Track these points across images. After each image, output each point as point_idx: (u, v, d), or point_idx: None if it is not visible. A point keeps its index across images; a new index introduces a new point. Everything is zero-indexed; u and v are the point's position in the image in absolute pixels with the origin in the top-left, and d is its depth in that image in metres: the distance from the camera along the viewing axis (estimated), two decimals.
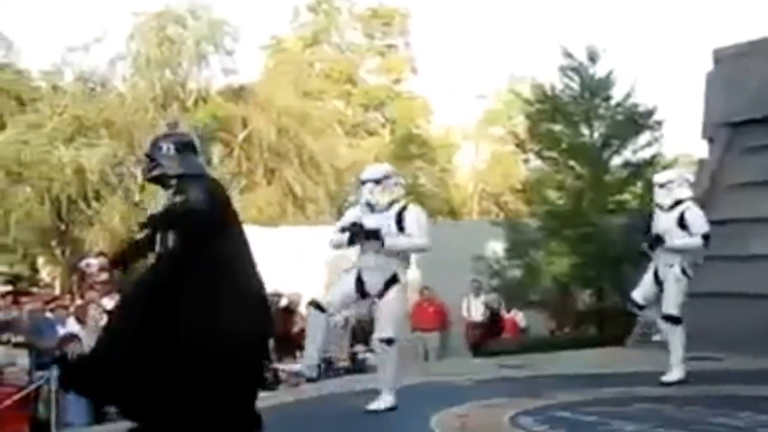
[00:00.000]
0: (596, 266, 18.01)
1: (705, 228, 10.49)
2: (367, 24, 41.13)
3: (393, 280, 9.02)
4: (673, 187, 10.73)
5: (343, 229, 9.20)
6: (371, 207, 9.19)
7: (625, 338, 15.27)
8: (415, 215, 9.14)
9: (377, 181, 9.24)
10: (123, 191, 27.92)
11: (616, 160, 19.44)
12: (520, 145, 22.16)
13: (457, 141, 43.11)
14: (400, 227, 9.03)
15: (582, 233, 18.08)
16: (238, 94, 32.54)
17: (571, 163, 19.42)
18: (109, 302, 15.21)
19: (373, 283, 9.08)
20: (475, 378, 11.35)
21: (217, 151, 31.52)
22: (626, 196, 19.69)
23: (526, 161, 25.89)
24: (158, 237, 7.04)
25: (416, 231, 9.05)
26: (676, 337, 10.42)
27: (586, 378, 10.98)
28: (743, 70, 15.41)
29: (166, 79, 30.70)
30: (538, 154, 20.28)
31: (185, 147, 7.36)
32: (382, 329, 9.00)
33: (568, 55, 19.65)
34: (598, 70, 19.38)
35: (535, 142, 20.42)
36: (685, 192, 10.79)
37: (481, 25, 59.82)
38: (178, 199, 7.02)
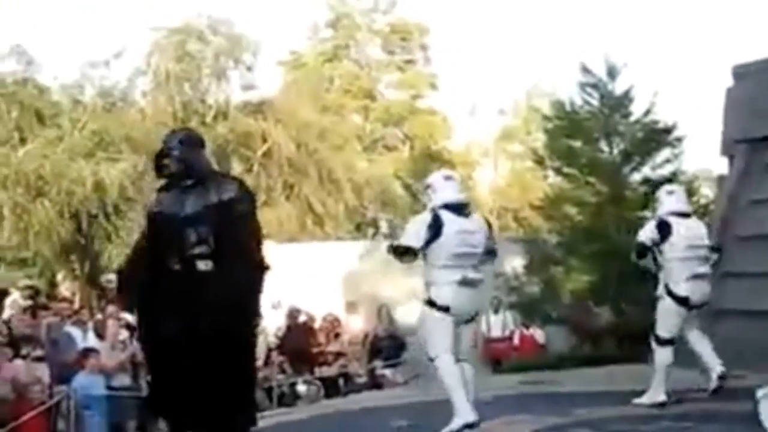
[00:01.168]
0: (615, 283, 17.96)
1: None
2: (386, 39, 41.20)
3: None
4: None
5: None
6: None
7: (644, 355, 15.21)
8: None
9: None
10: (142, 206, 27.94)
11: (636, 177, 19.40)
12: (539, 162, 22.13)
13: (477, 157, 43.11)
14: None
15: (601, 250, 18.03)
16: (257, 109, 32.58)
17: (591, 179, 19.38)
18: (128, 317, 15.24)
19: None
20: (495, 394, 11.33)
21: (236, 166, 31.56)
22: (646, 213, 19.64)
23: (545, 177, 25.82)
24: (192, 234, 6.97)
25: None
26: (657, 357, 10.51)
27: (607, 395, 10.95)
28: (763, 86, 15.37)
29: (185, 94, 30.78)
30: (557, 171, 20.25)
31: (202, 144, 7.72)
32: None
33: (587, 71, 19.64)
34: (618, 87, 19.35)
35: (554, 158, 20.39)
36: None
37: (501, 41, 59.87)
38: (225, 193, 7.07)
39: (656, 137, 19.03)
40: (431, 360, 8.32)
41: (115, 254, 26.49)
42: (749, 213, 14.48)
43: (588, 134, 19.70)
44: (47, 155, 27.37)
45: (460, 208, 8.53)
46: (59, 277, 30.06)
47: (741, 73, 16.07)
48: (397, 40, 41.11)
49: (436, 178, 8.86)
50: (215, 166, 8.01)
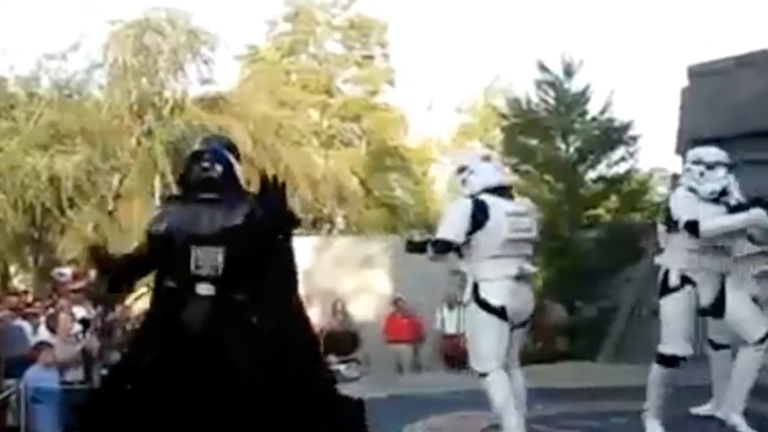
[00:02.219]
0: (570, 280, 18.05)
1: None
2: (345, 35, 41.07)
3: None
4: None
5: None
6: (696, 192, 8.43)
7: (596, 352, 15.29)
8: None
9: (710, 167, 8.19)
10: (97, 200, 27.79)
11: (591, 175, 19.57)
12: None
13: (434, 154, 43.12)
14: None
15: (556, 247, 18.12)
16: (214, 103, 32.40)
17: (547, 177, 19.51)
18: (81, 310, 15.17)
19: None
20: (450, 390, 11.35)
21: None
22: (600, 211, 19.76)
23: None
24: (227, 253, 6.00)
25: None
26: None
27: (560, 392, 10.98)
28: (718, 87, 15.50)
29: (142, 88, 30.57)
30: (514, 168, 20.34)
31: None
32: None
33: (544, 69, 19.75)
34: (574, 85, 19.50)
35: (510, 155, 20.48)
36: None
37: (459, 38, 59.97)
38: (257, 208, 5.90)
39: (612, 135, 19.20)
40: (481, 375, 7.38)
41: (69, 247, 26.33)
42: None
43: (544, 132, 19.82)
44: (1, 147, 27.18)
45: (502, 192, 7.54)
46: (12, 270, 29.84)
47: (696, 72, 16.21)
48: (356, 36, 40.98)
49: (472, 159, 8.05)
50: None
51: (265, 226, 5.84)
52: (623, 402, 9.87)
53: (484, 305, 7.26)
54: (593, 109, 19.73)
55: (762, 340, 7.99)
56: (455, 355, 18.73)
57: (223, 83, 34.36)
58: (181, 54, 31.30)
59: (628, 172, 19.35)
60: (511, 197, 7.59)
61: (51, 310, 16.06)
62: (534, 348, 18.98)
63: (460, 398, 10.70)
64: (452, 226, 7.40)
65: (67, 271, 19.66)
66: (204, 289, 5.96)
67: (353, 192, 36.07)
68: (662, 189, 23.34)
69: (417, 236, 7.86)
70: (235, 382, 5.72)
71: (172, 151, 28.21)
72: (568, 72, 19.72)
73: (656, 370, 8.10)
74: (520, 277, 7.28)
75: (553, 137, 19.89)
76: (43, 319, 15.35)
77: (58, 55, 29.77)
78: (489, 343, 7.28)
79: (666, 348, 8.01)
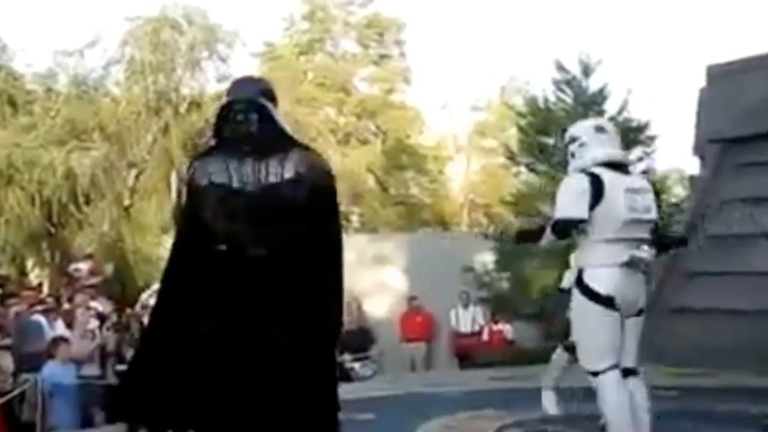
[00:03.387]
0: None
1: None
2: (361, 33, 41.11)
3: None
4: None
5: None
6: None
7: None
8: None
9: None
10: (113, 196, 27.85)
11: None
12: (512, 158, 22.19)
13: (449, 152, 43.13)
14: None
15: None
16: None
17: (563, 176, 19.44)
18: (97, 305, 15.24)
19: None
20: (464, 389, 11.36)
21: None
22: None
23: (517, 174, 25.91)
24: None
25: None
26: None
27: (575, 391, 10.98)
28: (736, 87, 15.47)
29: (159, 84, 30.62)
30: (530, 167, 20.34)
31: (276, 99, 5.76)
32: None
33: (562, 68, 19.71)
34: (592, 84, 19.45)
35: (526, 154, 20.46)
36: None
37: (476, 37, 59.90)
38: (302, 167, 5.36)
39: (629, 135, 19.10)
40: (593, 375, 6.57)
41: (85, 243, 26.40)
42: (718, 213, 14.58)
43: (561, 131, 19.76)
44: (19, 143, 27.23)
45: (617, 167, 6.77)
46: (29, 265, 29.94)
47: (714, 73, 16.19)
48: (373, 34, 41.01)
49: (584, 129, 7.02)
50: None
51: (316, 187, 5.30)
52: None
53: (590, 293, 6.49)
54: (610, 108, 19.67)
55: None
56: (468, 354, 18.79)
57: None
58: (198, 51, 31.35)
59: (645, 173, 19.27)
60: (627, 173, 6.84)
61: (68, 306, 16.13)
62: (550, 347, 19.02)
63: (473, 397, 10.73)
64: (572, 202, 6.52)
65: (84, 266, 19.72)
66: (256, 250, 5.28)
67: (369, 190, 36.14)
68: (679, 190, 23.30)
69: (526, 224, 7.41)
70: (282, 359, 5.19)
71: (189, 148, 28.22)
72: (586, 71, 19.68)
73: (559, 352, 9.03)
74: (632, 264, 6.46)
75: None
76: (59, 314, 15.39)
77: (76, 51, 29.84)
78: (600, 337, 6.50)
79: None
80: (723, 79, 15.92)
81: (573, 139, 6.92)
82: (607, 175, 6.53)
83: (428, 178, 40.20)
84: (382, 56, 41.19)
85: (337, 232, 5.48)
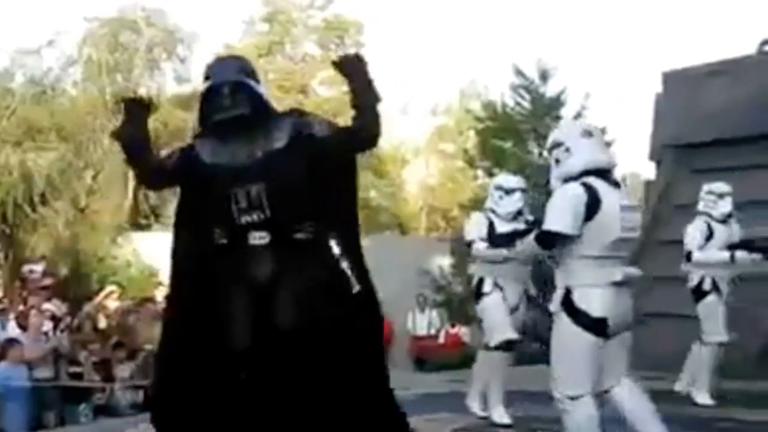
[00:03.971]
0: (541, 282, 18.05)
1: None
2: (321, 35, 41.08)
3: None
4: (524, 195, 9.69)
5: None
6: (498, 215, 9.32)
7: None
8: None
9: (508, 192, 9.40)
10: (70, 196, 27.68)
11: None
12: (470, 162, 22.25)
13: (408, 156, 43.15)
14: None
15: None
16: (189, 101, 32.36)
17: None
18: (51, 307, 15.12)
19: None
20: (419, 392, 11.35)
21: None
22: None
23: (475, 178, 25.98)
24: None
25: None
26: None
27: (529, 395, 10.99)
28: (692, 93, 15.55)
29: (117, 85, 30.51)
30: (487, 171, 20.39)
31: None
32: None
33: (520, 73, 19.79)
34: (549, 89, 19.54)
35: (484, 158, 20.53)
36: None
37: (435, 41, 59.96)
38: (305, 129, 5.21)
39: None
40: (570, 398, 6.14)
41: (41, 244, 26.22)
42: (674, 218, 14.64)
43: (519, 136, 19.87)
44: None
45: (606, 176, 6.23)
46: None
47: (670, 79, 16.27)
48: (333, 37, 40.99)
49: (570, 133, 6.41)
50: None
51: (323, 142, 5.07)
52: None
53: (581, 316, 6.02)
54: (568, 113, 19.79)
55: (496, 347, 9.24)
56: (425, 357, 18.80)
57: (199, 82, 34.37)
58: (157, 52, 31.29)
59: None
60: (617, 184, 6.26)
61: (22, 308, 15.99)
62: None
63: (429, 400, 10.71)
64: (566, 216, 5.98)
65: (38, 268, 19.56)
66: (257, 237, 5.05)
67: None
68: (636, 194, 23.41)
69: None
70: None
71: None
72: (544, 76, 19.79)
73: (495, 356, 9.28)
74: (623, 283, 6.08)
75: (527, 141, 19.94)
76: (12, 315, 15.25)
77: (33, 50, 29.68)
78: (582, 364, 6.08)
79: (499, 337, 9.15)
80: (679, 85, 16.00)
81: (557, 144, 6.30)
82: (602, 188, 6.05)
83: (387, 182, 40.20)
84: None
85: (347, 192, 5.27)
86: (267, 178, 5.01)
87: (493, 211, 9.30)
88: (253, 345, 5.00)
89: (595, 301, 6.00)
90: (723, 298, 10.49)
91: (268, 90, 5.35)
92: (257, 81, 5.34)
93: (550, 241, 6.08)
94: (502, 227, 8.89)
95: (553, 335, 6.23)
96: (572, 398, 6.10)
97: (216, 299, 5.10)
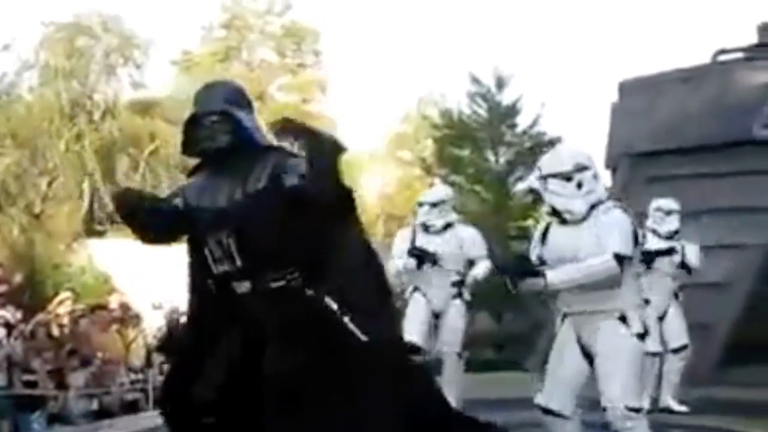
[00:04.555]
0: (496, 290, 18.09)
1: (485, 250, 10.05)
2: (279, 42, 41.02)
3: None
4: (446, 207, 9.91)
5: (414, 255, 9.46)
6: (426, 228, 9.59)
7: (525, 363, 15.36)
8: (473, 238, 9.88)
9: (434, 204, 9.65)
10: (25, 203, 27.49)
11: (520, 187, 19.67)
12: (427, 169, 22.28)
13: (365, 163, 43.16)
14: (458, 247, 9.63)
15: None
16: (146, 107, 32.26)
17: (476, 188, 19.60)
18: (5, 314, 14.97)
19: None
20: None
21: (122, 164, 31.24)
22: (529, 222, 19.88)
23: (431, 185, 26.03)
24: None
25: (478, 251, 9.83)
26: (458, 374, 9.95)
27: (485, 403, 11.00)
28: (647, 102, 15.65)
29: (73, 91, 30.34)
30: (444, 179, 20.43)
31: (250, 104, 5.21)
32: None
33: (476, 81, 19.84)
34: (505, 98, 19.61)
35: (441, 166, 20.57)
36: (454, 214, 10.06)
37: (393, 48, 60.02)
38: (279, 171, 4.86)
39: (542, 148, 19.30)
40: (634, 411, 6.00)
41: None
42: None
43: (475, 143, 19.92)
44: None
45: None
46: None
47: (626, 88, 16.37)
48: (290, 44, 40.95)
49: (589, 158, 6.41)
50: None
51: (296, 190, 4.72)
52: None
53: (639, 333, 6.10)
54: (523, 122, 19.88)
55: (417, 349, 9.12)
56: None
57: (156, 88, 34.21)
58: (114, 57, 31.13)
59: None
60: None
61: None
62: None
63: None
64: (629, 241, 6.07)
65: None
66: (238, 286, 4.86)
67: None
68: None
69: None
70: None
71: (102, 155, 27.98)
72: (500, 84, 19.86)
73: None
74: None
75: (484, 149, 20.00)
76: None
77: None
78: (640, 375, 6.21)
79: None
80: (634, 94, 16.10)
81: (583, 168, 6.20)
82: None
83: None
84: (299, 65, 41.14)
85: (333, 233, 4.87)
86: (238, 226, 4.79)
87: (423, 225, 9.72)
88: (224, 396, 4.83)
89: (640, 317, 6.11)
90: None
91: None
92: (248, 108, 5.07)
93: (622, 264, 5.97)
94: (426, 238, 9.65)
95: (608, 349, 6.05)
96: (636, 410, 6.01)
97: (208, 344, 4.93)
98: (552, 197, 6.18)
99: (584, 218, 6.11)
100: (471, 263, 9.86)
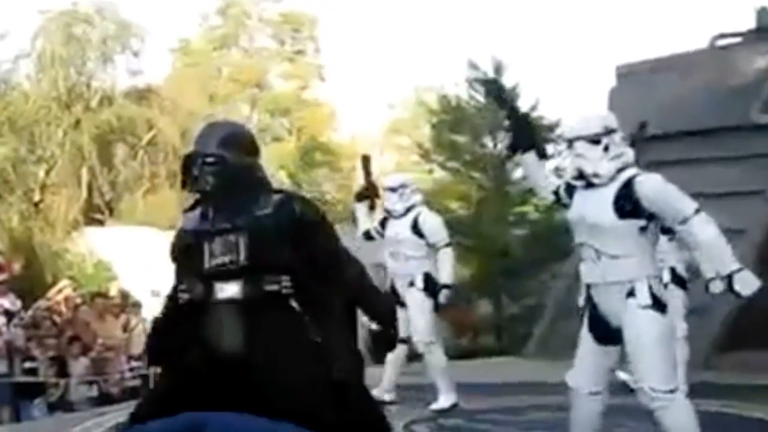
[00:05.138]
0: (496, 277, 18.15)
1: (446, 236, 9.77)
2: (276, 29, 40.99)
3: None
4: (407, 192, 9.74)
5: None
6: (389, 213, 9.60)
7: (522, 349, 15.41)
8: (432, 223, 9.62)
9: (394, 189, 9.58)
10: (23, 191, 27.50)
11: (519, 172, 19.67)
12: (425, 155, 22.29)
13: (363, 149, 43.18)
14: (417, 233, 9.46)
15: (482, 244, 18.23)
16: (143, 95, 32.22)
17: (475, 174, 19.63)
18: (5, 302, 15.00)
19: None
20: (372, 385, 11.37)
21: (120, 152, 31.25)
22: (527, 208, 19.91)
23: (430, 171, 26.02)
24: None
25: (438, 237, 9.55)
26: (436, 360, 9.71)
27: (482, 387, 11.05)
28: (646, 87, 15.66)
29: (70, 78, 30.31)
30: (442, 165, 20.46)
31: (255, 148, 5.09)
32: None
33: (475, 67, 19.84)
34: (504, 83, 19.57)
35: (439, 152, 20.59)
36: (418, 197, 9.88)
37: (391, 34, 60.03)
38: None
39: (540, 134, 19.31)
40: (669, 392, 5.82)
41: None
42: None
43: (473, 129, 19.94)
44: None
45: None
46: None
47: (624, 73, 16.36)
48: (288, 30, 40.91)
49: (615, 121, 6.25)
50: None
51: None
52: (544, 397, 9.97)
53: (663, 306, 5.88)
54: (522, 107, 19.85)
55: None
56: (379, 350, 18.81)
57: (153, 76, 34.21)
58: (111, 45, 31.09)
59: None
60: None
61: None
62: (459, 343, 19.13)
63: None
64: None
65: None
66: (226, 289, 4.71)
67: (282, 186, 36.06)
68: None
69: None
70: None
71: (100, 143, 28.00)
72: (498, 70, 19.85)
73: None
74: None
75: (482, 135, 20.01)
76: None
77: None
78: (666, 355, 5.93)
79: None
80: (633, 79, 16.10)
81: (612, 131, 6.05)
82: None
83: (341, 175, 40.20)
84: (297, 52, 41.12)
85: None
86: (249, 229, 4.69)
87: (387, 210, 9.78)
88: None
89: (662, 288, 6.00)
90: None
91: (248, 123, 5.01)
92: (251, 150, 4.95)
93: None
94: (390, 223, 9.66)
95: (638, 329, 5.82)
96: (671, 391, 5.83)
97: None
98: (579, 160, 6.00)
99: (610, 180, 5.93)
100: (432, 248, 9.63)
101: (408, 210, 9.58)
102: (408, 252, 9.54)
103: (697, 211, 5.78)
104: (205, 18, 41.04)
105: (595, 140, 5.99)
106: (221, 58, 40.71)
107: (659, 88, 15.54)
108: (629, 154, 6.03)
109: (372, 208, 10.10)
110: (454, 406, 9.46)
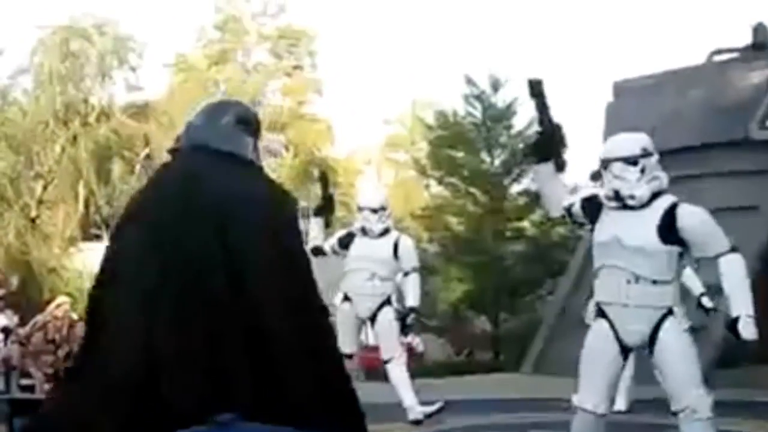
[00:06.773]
0: (493, 292, 18.13)
1: (417, 262, 9.91)
2: (274, 44, 41.00)
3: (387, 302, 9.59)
4: (385, 214, 9.67)
5: None
6: (365, 232, 9.46)
7: (520, 364, 15.38)
8: (410, 249, 9.67)
9: (375, 211, 9.47)
10: (20, 206, 27.47)
11: (516, 188, 19.70)
12: (422, 171, 22.30)
13: (360, 165, 43.17)
14: (395, 256, 9.44)
15: (479, 260, 18.22)
16: (141, 111, 32.24)
17: (472, 189, 19.61)
18: (2, 318, 15.01)
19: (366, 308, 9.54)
20: (370, 401, 11.34)
21: (117, 168, 31.22)
22: (524, 224, 19.91)
23: (427, 187, 26.05)
24: None
25: (413, 263, 9.62)
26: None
27: (482, 403, 11.03)
28: (643, 102, 15.66)
29: (68, 94, 30.31)
30: (439, 180, 20.47)
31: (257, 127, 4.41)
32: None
33: (472, 83, 19.85)
34: (501, 99, 19.62)
35: (436, 168, 20.58)
36: (391, 219, 9.91)
37: (388, 50, 60.11)
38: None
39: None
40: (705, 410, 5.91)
41: None
42: None
43: (470, 145, 19.93)
44: None
45: None
46: None
47: (621, 88, 16.38)
48: (285, 46, 40.92)
49: (652, 144, 6.23)
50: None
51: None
52: (543, 413, 9.95)
53: (694, 331, 6.06)
54: (519, 123, 19.87)
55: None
56: (376, 367, 18.76)
57: (151, 91, 34.21)
58: (108, 60, 31.12)
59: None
60: None
61: None
62: (457, 359, 19.12)
63: (380, 410, 10.69)
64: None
65: None
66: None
67: None
68: None
69: None
70: None
71: (97, 159, 27.99)
72: (495, 86, 19.87)
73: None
74: None
75: (479, 150, 20.02)
76: None
77: None
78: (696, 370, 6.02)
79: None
80: (630, 95, 16.11)
81: (649, 154, 6.04)
82: None
83: (339, 191, 40.17)
84: (295, 67, 41.13)
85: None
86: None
87: (363, 229, 9.60)
88: None
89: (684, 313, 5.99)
90: None
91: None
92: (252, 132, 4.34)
93: None
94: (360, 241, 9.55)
95: (681, 352, 5.92)
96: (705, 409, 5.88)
97: None
98: (615, 182, 5.92)
99: (645, 205, 5.91)
100: (400, 271, 9.71)
101: (385, 231, 9.58)
102: (383, 273, 9.54)
103: (733, 249, 5.91)
104: (203, 33, 41.06)
105: (632, 161, 5.95)
106: (219, 74, 40.70)
107: (656, 104, 15.54)
108: (664, 177, 6.00)
109: (327, 225, 10.17)
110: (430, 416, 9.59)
